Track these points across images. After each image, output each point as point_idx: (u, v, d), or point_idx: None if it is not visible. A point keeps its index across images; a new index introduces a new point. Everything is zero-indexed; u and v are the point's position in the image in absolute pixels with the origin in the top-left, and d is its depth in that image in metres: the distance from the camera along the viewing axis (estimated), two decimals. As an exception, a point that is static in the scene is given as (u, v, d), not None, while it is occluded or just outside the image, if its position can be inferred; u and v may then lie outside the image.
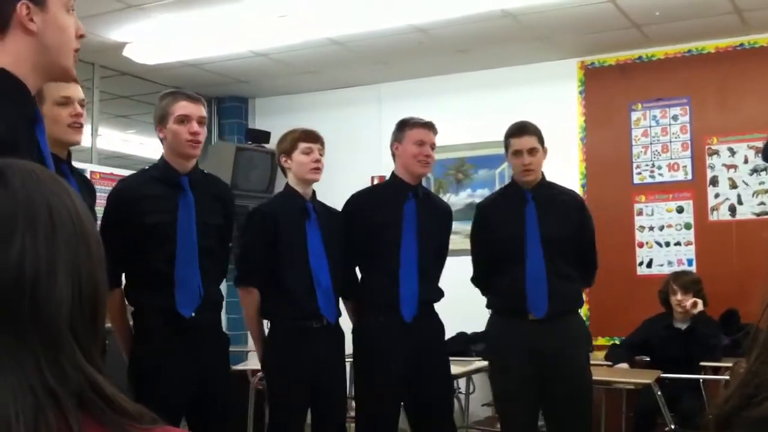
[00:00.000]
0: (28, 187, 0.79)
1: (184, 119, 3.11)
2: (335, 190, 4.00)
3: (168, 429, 0.80)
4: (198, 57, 5.92)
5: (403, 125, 3.72)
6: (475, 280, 3.84)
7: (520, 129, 3.68)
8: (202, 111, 3.18)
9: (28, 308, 0.75)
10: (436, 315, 3.72)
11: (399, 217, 3.62)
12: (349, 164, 6.15)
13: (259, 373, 4.25)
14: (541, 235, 3.57)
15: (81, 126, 2.83)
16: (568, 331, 3.59)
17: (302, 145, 3.48)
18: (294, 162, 3.50)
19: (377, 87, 6.65)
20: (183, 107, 3.12)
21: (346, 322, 3.64)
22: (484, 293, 3.84)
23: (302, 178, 3.52)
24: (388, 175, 6.43)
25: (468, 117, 6.18)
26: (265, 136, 6.73)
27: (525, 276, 3.54)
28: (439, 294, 3.76)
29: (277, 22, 5.21)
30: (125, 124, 8.04)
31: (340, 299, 3.65)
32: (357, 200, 3.78)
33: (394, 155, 3.75)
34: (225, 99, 7.13)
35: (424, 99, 6.34)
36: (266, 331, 3.58)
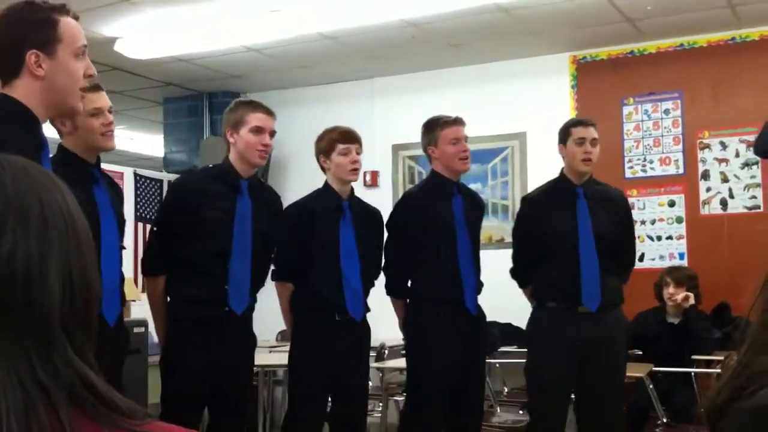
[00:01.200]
0: (20, 183, 0.79)
1: (259, 130, 3.25)
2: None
3: (160, 425, 0.80)
4: (190, 52, 5.90)
5: (434, 126, 3.79)
6: (516, 272, 3.91)
7: (584, 120, 3.82)
8: (274, 125, 3.35)
9: (20, 304, 0.75)
10: (481, 307, 3.84)
11: (450, 213, 3.71)
12: (342, 159, 6.14)
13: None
14: (593, 232, 3.65)
15: (112, 132, 2.95)
16: (615, 322, 3.70)
17: (340, 147, 3.55)
18: (332, 163, 3.56)
19: (370, 82, 6.64)
20: (260, 119, 3.27)
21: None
22: (523, 286, 3.90)
23: (341, 179, 3.58)
24: (380, 170, 6.49)
25: (460, 111, 6.12)
26: (257, 131, 6.71)
27: (580, 270, 3.61)
28: (481, 286, 3.86)
29: (269, 17, 5.20)
30: (116, 120, 7.99)
31: (390, 297, 3.80)
32: (409, 200, 3.87)
33: (430, 158, 3.83)
34: (217, 94, 7.11)
35: (417, 93, 6.35)
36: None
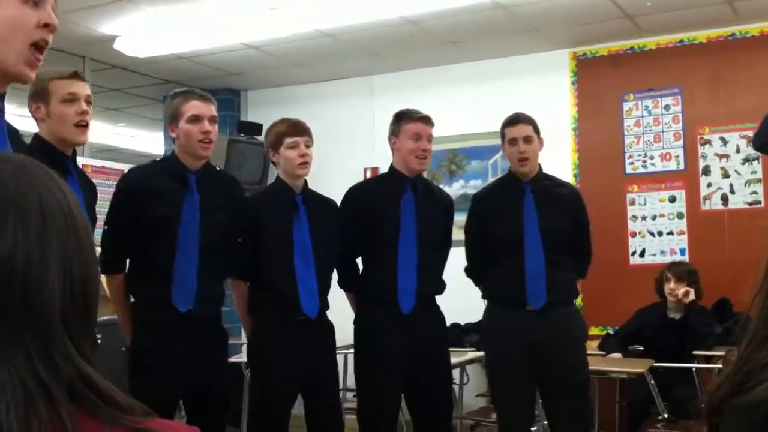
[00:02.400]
0: (19, 180, 0.78)
1: (195, 119, 3.14)
2: (327, 182, 4.00)
3: (160, 422, 0.80)
4: (189, 50, 5.90)
5: (400, 118, 3.70)
6: (470, 271, 3.85)
7: (515, 118, 3.70)
8: (213, 110, 3.21)
9: (20, 301, 0.74)
10: (436, 307, 3.71)
11: (396, 209, 3.60)
12: (342, 156, 6.15)
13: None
14: (540, 227, 3.58)
15: (87, 125, 2.82)
16: (565, 320, 3.61)
17: (288, 140, 3.43)
18: (281, 157, 3.46)
19: (369, 79, 6.63)
20: (195, 107, 3.16)
21: (334, 314, 3.61)
22: (477, 284, 3.85)
23: (290, 174, 3.48)
24: (381, 167, 6.48)
25: (460, 108, 6.18)
26: (257, 128, 6.71)
27: (524, 267, 3.55)
28: (441, 286, 3.73)
29: (268, 14, 5.19)
30: (116, 117, 8.02)
31: (343, 290, 3.68)
32: (355, 193, 3.76)
33: (392, 148, 3.74)
34: (217, 91, 7.08)
35: (417, 90, 6.34)
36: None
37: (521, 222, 3.60)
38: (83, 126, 2.80)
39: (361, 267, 3.75)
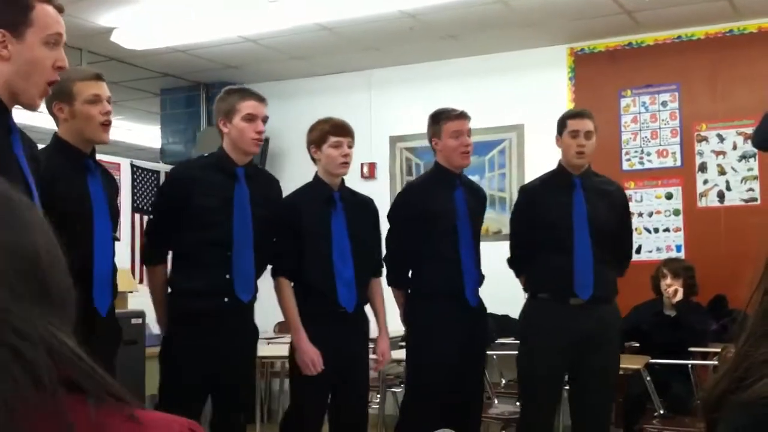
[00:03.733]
0: None
1: (251, 118, 3.23)
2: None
3: (145, 412, 0.76)
4: (187, 42, 5.89)
5: (438, 119, 3.80)
6: (512, 261, 3.92)
7: (580, 112, 3.82)
8: (266, 111, 3.32)
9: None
10: (482, 299, 3.85)
11: (452, 205, 3.72)
12: (339, 150, 6.13)
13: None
14: (589, 221, 3.64)
15: (110, 124, 2.90)
16: (607, 315, 3.70)
17: (332, 139, 3.50)
18: (323, 154, 3.52)
19: (368, 73, 6.62)
20: (252, 106, 3.24)
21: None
22: (518, 275, 3.92)
23: (330, 172, 3.54)
24: (378, 162, 6.49)
25: (458, 103, 6.12)
26: (254, 122, 6.70)
27: (573, 260, 3.61)
28: (483, 278, 3.86)
29: (266, 8, 5.18)
30: (114, 111, 7.98)
31: (391, 288, 3.80)
32: (407, 194, 3.88)
33: (434, 149, 3.85)
34: (215, 85, 7.08)
35: (415, 85, 6.34)
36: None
37: (571, 215, 3.66)
38: (107, 125, 2.88)
39: (415, 262, 3.79)
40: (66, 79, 2.80)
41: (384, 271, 3.79)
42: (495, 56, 6.14)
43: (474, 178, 6.00)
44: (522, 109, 6.00)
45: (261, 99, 3.30)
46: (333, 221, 3.50)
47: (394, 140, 6.47)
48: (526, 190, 3.93)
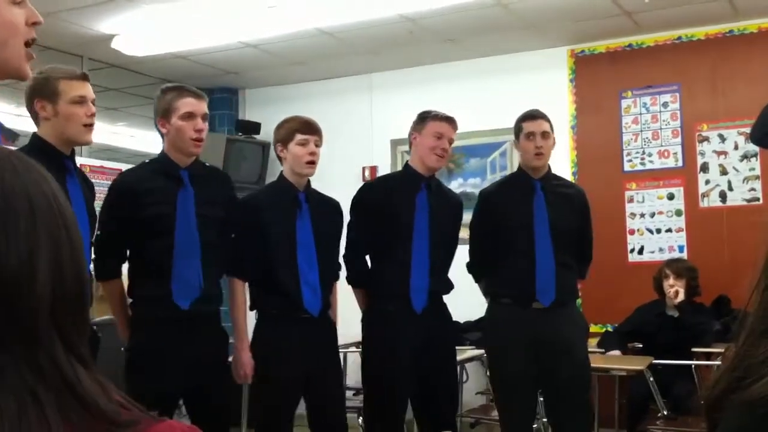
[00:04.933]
0: (4, 174, 0.75)
1: (189, 116, 3.12)
2: (326, 181, 4.00)
3: (149, 422, 0.77)
4: (187, 48, 5.89)
5: (425, 117, 3.73)
6: (472, 267, 3.86)
7: (534, 114, 3.76)
8: (205, 108, 3.20)
9: (5, 303, 0.71)
10: (444, 306, 3.73)
11: (411, 207, 3.62)
12: (340, 154, 6.14)
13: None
14: (550, 225, 3.61)
15: (93, 125, 2.85)
16: (569, 318, 3.66)
17: (299, 137, 3.43)
18: (289, 153, 3.45)
19: (368, 77, 6.63)
20: (189, 104, 3.14)
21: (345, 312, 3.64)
22: (478, 281, 3.86)
23: (296, 171, 3.47)
24: (379, 166, 6.49)
25: (459, 106, 6.12)
26: (255, 127, 6.71)
27: (535, 265, 3.57)
28: (449, 286, 3.75)
29: (266, 13, 5.19)
30: (115, 117, 8.00)
31: (351, 286, 3.70)
32: (369, 189, 3.80)
33: (410, 144, 3.76)
34: (215, 90, 7.10)
35: (415, 88, 6.34)
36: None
37: (531, 219, 3.62)
38: (89, 126, 2.83)
39: (371, 262, 3.75)
40: (50, 77, 2.77)
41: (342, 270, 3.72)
42: (495, 59, 6.14)
43: (475, 181, 6.02)
44: (523, 111, 5.98)
45: (199, 96, 3.19)
46: (298, 223, 3.41)
47: (394, 143, 6.47)
48: (485, 195, 3.88)
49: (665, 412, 4.33)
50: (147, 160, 3.33)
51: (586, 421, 3.75)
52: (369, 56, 6.18)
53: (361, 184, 6.12)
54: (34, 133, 2.83)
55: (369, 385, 3.65)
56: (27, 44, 1.68)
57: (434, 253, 3.63)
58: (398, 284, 3.56)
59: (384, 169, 6.53)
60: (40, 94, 2.78)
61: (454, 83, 6.22)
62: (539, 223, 3.61)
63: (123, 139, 8.51)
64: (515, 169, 6.17)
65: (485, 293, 3.84)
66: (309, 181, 3.55)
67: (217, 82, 6.90)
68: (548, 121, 3.72)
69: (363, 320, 3.69)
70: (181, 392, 3.13)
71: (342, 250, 3.71)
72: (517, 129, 3.74)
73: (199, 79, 6.70)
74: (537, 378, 3.61)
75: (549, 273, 3.57)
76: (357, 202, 3.72)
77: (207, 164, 3.38)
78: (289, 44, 5.84)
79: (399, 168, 6.46)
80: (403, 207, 3.62)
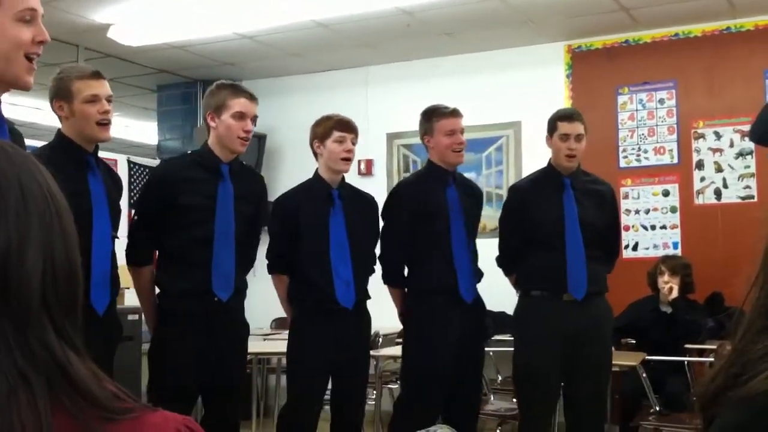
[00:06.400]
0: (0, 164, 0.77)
1: (240, 116, 3.18)
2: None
3: (138, 420, 0.77)
4: (183, 39, 5.88)
5: (430, 116, 3.78)
6: (502, 260, 3.93)
7: (571, 115, 3.82)
8: (256, 110, 3.27)
9: None
10: (480, 297, 3.84)
11: (444, 203, 3.71)
12: (336, 147, 6.12)
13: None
14: (580, 220, 3.66)
15: (109, 122, 2.90)
16: (600, 311, 3.72)
17: (336, 134, 3.50)
18: (326, 149, 3.51)
19: (364, 70, 6.61)
20: (242, 104, 3.20)
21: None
22: (508, 274, 3.93)
23: (331, 167, 3.53)
24: (374, 159, 6.48)
25: (455, 100, 6.11)
26: (251, 119, 6.69)
27: (565, 258, 3.63)
28: (481, 274, 3.86)
29: (263, 4, 5.17)
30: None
31: (387, 286, 3.79)
32: (400, 192, 3.84)
33: (426, 147, 3.83)
34: (211, 81, 7.04)
35: (412, 82, 6.33)
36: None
37: (561, 214, 3.67)
38: (105, 124, 2.88)
39: (411, 260, 3.80)
40: (66, 78, 2.85)
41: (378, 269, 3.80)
42: (492, 53, 6.13)
43: (471, 175, 6.00)
44: (519, 106, 6.00)
45: (252, 97, 3.25)
46: (331, 219, 3.50)
47: (391, 137, 6.47)
48: (515, 190, 3.94)
49: (658, 408, 4.34)
50: (189, 151, 3.44)
51: (604, 410, 3.86)
52: (366, 49, 6.17)
53: (356, 176, 6.14)
54: (59, 130, 2.90)
55: (410, 375, 3.72)
56: (30, 59, 1.84)
57: (471, 244, 3.78)
58: (445, 278, 3.65)
59: (380, 163, 6.53)
60: (58, 95, 2.84)
61: (451, 77, 6.21)
62: (569, 218, 3.67)
63: (118, 129, 8.45)
64: (511, 164, 6.17)
65: (515, 286, 3.90)
66: (343, 177, 3.63)
67: (213, 73, 6.87)
68: (583, 122, 3.76)
69: (407, 318, 3.77)
70: (200, 383, 3.16)
71: (378, 250, 3.79)
72: (552, 126, 3.76)
73: (195, 70, 6.69)
74: (561, 371, 3.67)
75: (580, 266, 3.63)
76: (391, 204, 3.80)
77: (244, 163, 3.45)
78: (286, 36, 5.82)
79: (395, 162, 6.49)
80: (437, 204, 3.71)
